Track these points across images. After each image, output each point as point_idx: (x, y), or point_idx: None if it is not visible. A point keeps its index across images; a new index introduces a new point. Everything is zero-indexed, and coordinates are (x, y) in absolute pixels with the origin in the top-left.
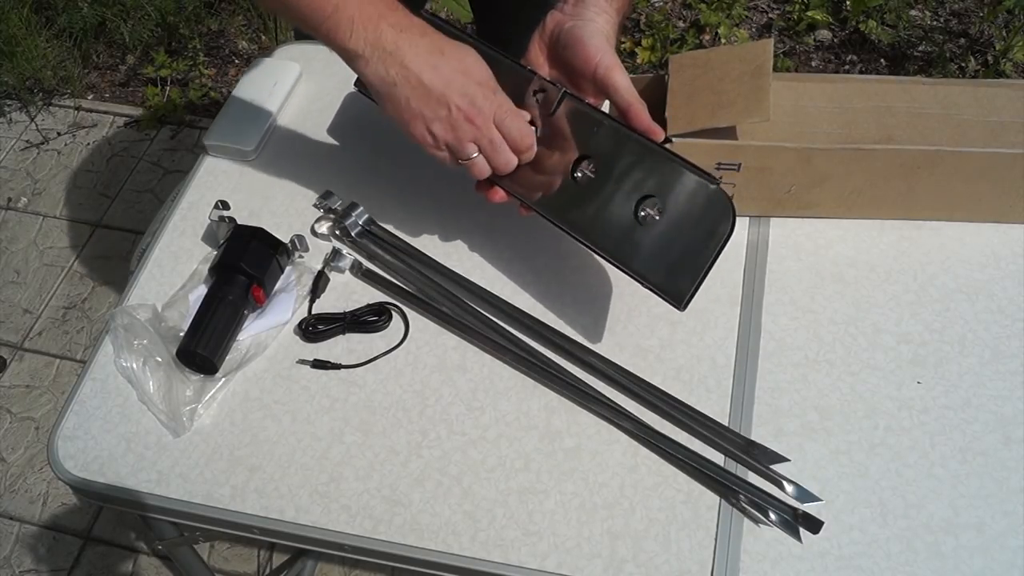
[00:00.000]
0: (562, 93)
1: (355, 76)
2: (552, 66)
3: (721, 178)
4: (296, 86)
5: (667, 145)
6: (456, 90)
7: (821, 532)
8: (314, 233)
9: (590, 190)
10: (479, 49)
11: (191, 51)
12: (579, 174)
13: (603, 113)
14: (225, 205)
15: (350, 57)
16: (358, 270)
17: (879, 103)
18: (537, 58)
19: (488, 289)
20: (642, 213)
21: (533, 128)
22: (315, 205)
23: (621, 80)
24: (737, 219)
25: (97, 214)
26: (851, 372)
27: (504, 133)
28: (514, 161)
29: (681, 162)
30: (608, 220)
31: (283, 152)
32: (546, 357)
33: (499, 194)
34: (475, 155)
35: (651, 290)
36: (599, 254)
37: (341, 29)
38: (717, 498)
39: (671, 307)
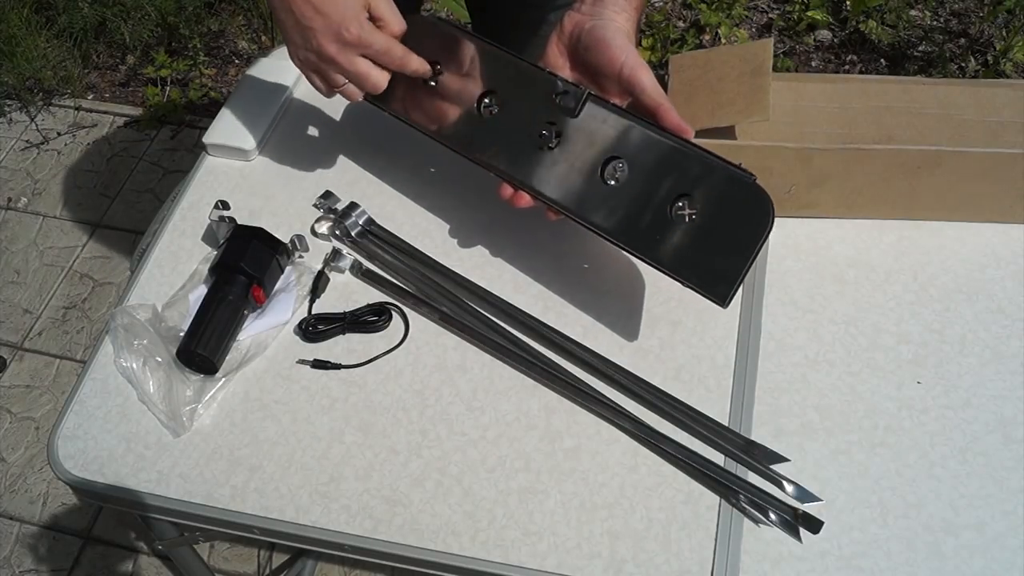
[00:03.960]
0: (586, 95)
1: None
2: (573, 68)
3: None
4: (296, 86)
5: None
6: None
7: (821, 532)
8: (314, 233)
9: (621, 191)
10: (492, 49)
11: (191, 51)
12: (608, 176)
13: (630, 113)
14: (225, 205)
15: None
16: (358, 270)
17: (879, 103)
18: (556, 60)
19: (488, 289)
20: (677, 212)
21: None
22: (315, 205)
23: (648, 80)
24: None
25: (97, 214)
26: (851, 372)
27: (368, 55)
28: (384, 79)
29: (715, 159)
30: (642, 221)
31: (283, 152)
32: (546, 357)
33: (524, 199)
34: (344, 84)
35: (691, 288)
36: (635, 255)
37: None
38: (717, 498)
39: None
